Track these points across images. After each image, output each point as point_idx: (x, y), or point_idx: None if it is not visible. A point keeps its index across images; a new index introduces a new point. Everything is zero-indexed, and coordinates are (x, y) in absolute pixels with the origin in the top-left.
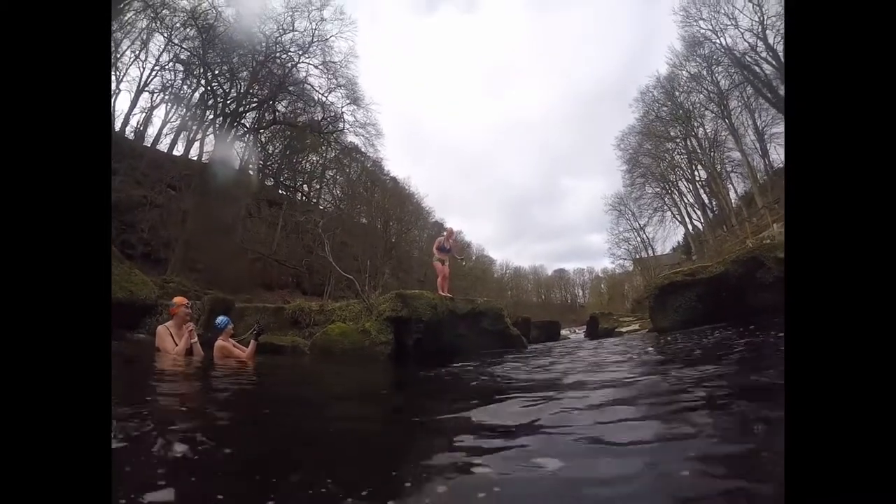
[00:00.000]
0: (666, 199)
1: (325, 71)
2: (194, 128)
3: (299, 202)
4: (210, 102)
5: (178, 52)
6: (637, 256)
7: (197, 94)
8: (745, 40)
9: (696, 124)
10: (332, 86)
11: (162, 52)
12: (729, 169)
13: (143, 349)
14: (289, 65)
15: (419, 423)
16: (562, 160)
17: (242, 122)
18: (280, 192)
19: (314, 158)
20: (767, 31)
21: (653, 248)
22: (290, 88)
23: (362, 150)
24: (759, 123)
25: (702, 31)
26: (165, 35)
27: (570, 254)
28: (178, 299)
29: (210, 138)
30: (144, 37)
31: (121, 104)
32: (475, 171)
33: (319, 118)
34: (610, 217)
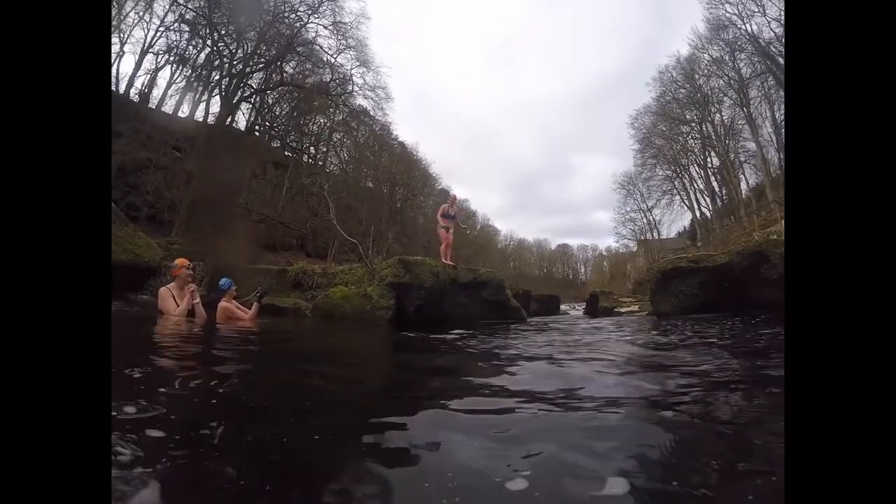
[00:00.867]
0: (676, 182)
1: (335, 32)
2: (200, 89)
3: (305, 164)
4: (216, 63)
5: (183, 12)
6: (642, 237)
7: (202, 55)
8: (771, 29)
9: (713, 110)
10: (342, 47)
11: (167, 13)
12: (742, 159)
13: (146, 310)
14: (297, 25)
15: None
16: (571, 136)
17: (249, 82)
18: (286, 153)
19: (322, 121)
20: None
21: (658, 231)
22: (299, 49)
23: (371, 113)
24: (777, 116)
25: (727, 14)
26: None
27: (575, 230)
28: (179, 261)
29: (216, 99)
30: None
31: (125, 66)
32: (484, 141)
33: (328, 80)
34: (618, 196)
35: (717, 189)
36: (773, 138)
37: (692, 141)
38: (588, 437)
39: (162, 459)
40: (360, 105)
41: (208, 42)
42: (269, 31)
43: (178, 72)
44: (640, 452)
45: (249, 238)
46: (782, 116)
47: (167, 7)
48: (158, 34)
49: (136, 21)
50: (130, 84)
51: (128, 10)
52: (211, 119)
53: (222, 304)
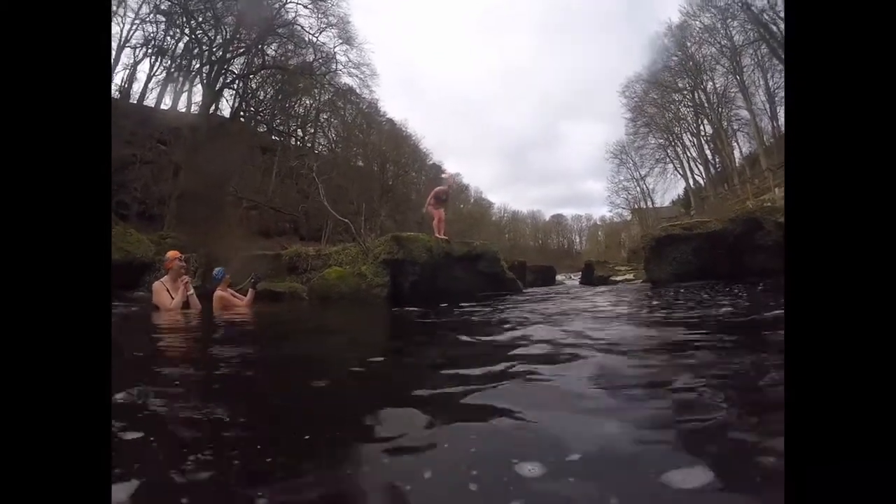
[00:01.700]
0: (669, 151)
1: (315, 10)
2: (181, 79)
3: (293, 147)
4: (195, 51)
5: (158, 2)
6: (636, 206)
7: (181, 45)
8: None
9: (705, 78)
10: (323, 25)
11: (141, 5)
12: (735, 127)
13: (142, 307)
14: (276, 5)
15: None
16: (560, 104)
17: (230, 69)
18: (273, 138)
19: (307, 102)
20: None
21: (652, 200)
22: (279, 31)
23: (357, 91)
24: (770, 84)
25: None
26: None
27: (569, 200)
28: (171, 253)
29: (198, 88)
30: None
31: None
32: (472, 113)
33: (311, 60)
34: (611, 165)
35: (710, 157)
36: (767, 106)
37: (685, 109)
38: None
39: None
40: (345, 84)
41: (186, 30)
42: (248, 14)
43: (158, 64)
44: None
45: (242, 226)
46: (775, 84)
47: None
48: (134, 27)
49: (111, 16)
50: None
51: None
52: (194, 109)
53: (218, 293)
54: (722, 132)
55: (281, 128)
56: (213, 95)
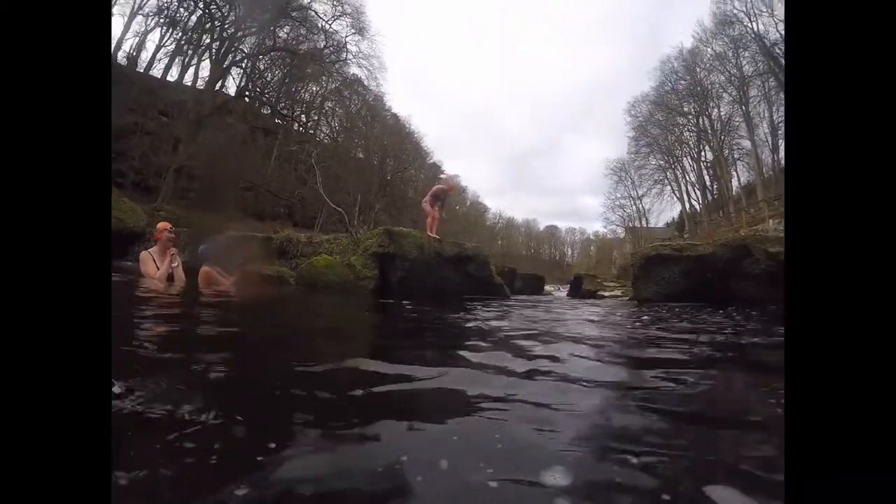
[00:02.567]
0: (668, 173)
1: None
2: (190, 52)
3: (295, 132)
4: (207, 26)
5: None
6: (630, 225)
7: (193, 18)
8: (777, 30)
9: (711, 104)
10: (337, 13)
11: None
12: (736, 156)
13: (129, 276)
14: None
15: None
16: (565, 117)
17: (240, 47)
18: (276, 121)
19: (314, 88)
20: None
21: (647, 220)
22: (293, 14)
23: (364, 83)
24: (775, 118)
25: (734, 10)
26: None
27: (564, 212)
28: (161, 224)
29: (206, 63)
30: None
31: (114, 28)
32: (477, 117)
33: (322, 47)
34: (609, 181)
35: (708, 183)
36: (769, 139)
37: (688, 133)
38: None
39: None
40: (353, 74)
41: (200, 4)
42: None
43: (168, 35)
44: None
45: (237, 206)
46: (780, 118)
47: None
48: None
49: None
50: (118, 47)
51: None
52: (200, 84)
53: (204, 268)
54: (722, 160)
55: (285, 111)
56: (220, 72)
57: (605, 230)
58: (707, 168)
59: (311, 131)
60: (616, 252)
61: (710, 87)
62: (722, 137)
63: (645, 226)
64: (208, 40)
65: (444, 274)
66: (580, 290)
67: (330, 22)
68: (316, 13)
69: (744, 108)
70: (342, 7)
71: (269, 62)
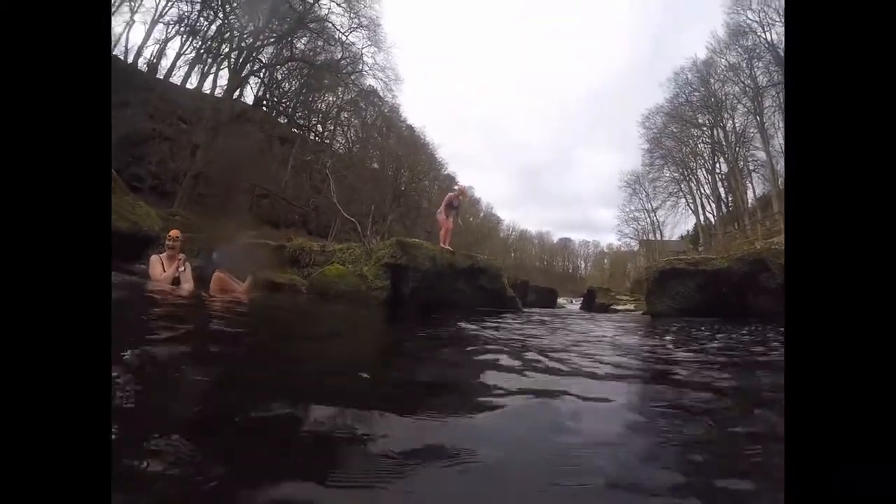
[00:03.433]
0: (682, 185)
1: (348, 9)
2: (209, 61)
3: (311, 142)
4: (226, 36)
5: None
6: (644, 238)
7: (213, 27)
8: None
9: (726, 116)
10: (354, 25)
11: None
12: (751, 168)
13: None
14: (310, 0)
15: None
16: (579, 129)
17: (259, 57)
18: (293, 130)
19: (330, 99)
20: None
21: (661, 232)
22: (311, 25)
23: (380, 94)
24: None
25: (748, 21)
26: None
27: (578, 224)
28: (171, 232)
29: (224, 72)
30: None
31: (135, 36)
32: (492, 128)
33: (339, 58)
34: (623, 193)
35: (723, 195)
36: (784, 150)
37: (702, 145)
38: None
39: None
40: (369, 85)
41: (219, 14)
42: (281, 5)
43: (188, 43)
44: None
45: (252, 213)
46: None
47: None
48: (170, 4)
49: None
50: (139, 54)
51: None
52: (219, 92)
53: (217, 274)
54: (737, 171)
55: (301, 121)
56: (238, 81)
57: (619, 243)
58: (722, 180)
59: (327, 141)
60: (630, 265)
61: (724, 98)
62: (737, 149)
63: (659, 238)
64: (227, 49)
65: (457, 286)
66: (593, 303)
67: (347, 34)
68: (333, 25)
69: (758, 118)
70: (359, 20)
71: (286, 72)
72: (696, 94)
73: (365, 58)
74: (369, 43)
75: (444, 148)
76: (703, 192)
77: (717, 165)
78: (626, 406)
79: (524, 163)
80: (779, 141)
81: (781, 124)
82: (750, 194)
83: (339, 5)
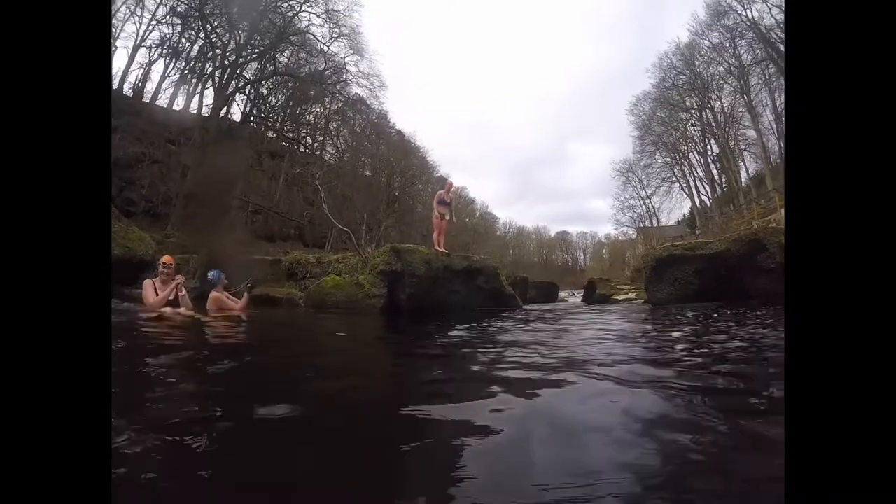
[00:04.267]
0: (675, 169)
1: (328, 20)
2: (193, 81)
3: (301, 154)
4: (209, 55)
5: (174, 4)
6: (641, 225)
7: (195, 48)
8: (772, 16)
9: (713, 97)
10: (335, 35)
11: (158, 6)
12: (742, 147)
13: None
14: (290, 14)
15: None
16: (568, 122)
17: (243, 73)
18: (282, 143)
19: (318, 110)
20: None
21: (658, 218)
22: (292, 38)
23: (367, 102)
24: (777, 104)
25: (727, 0)
26: None
27: (574, 217)
28: (164, 258)
29: (209, 91)
30: None
31: (118, 61)
32: (481, 128)
33: (322, 68)
34: (617, 182)
35: (716, 177)
36: (774, 126)
37: (692, 128)
38: None
39: None
40: (355, 93)
41: (201, 34)
42: (262, 20)
43: (172, 65)
44: None
45: (246, 229)
46: (783, 104)
47: (158, 0)
48: (151, 28)
49: (127, 15)
50: (124, 79)
51: (119, 4)
52: (205, 111)
53: (213, 294)
54: (728, 152)
55: (290, 134)
56: (224, 99)
57: (617, 232)
58: (714, 161)
59: (318, 152)
60: (629, 253)
61: (710, 79)
62: (726, 129)
63: (656, 225)
64: (211, 69)
65: (454, 288)
66: (594, 295)
67: (328, 44)
68: (314, 36)
69: (745, 97)
70: (339, 29)
71: (271, 87)
72: (682, 77)
73: (349, 67)
74: (351, 52)
75: (435, 151)
76: (696, 174)
77: (709, 147)
78: None
79: (517, 160)
80: (767, 118)
81: (769, 101)
82: (743, 173)
83: (318, 17)
